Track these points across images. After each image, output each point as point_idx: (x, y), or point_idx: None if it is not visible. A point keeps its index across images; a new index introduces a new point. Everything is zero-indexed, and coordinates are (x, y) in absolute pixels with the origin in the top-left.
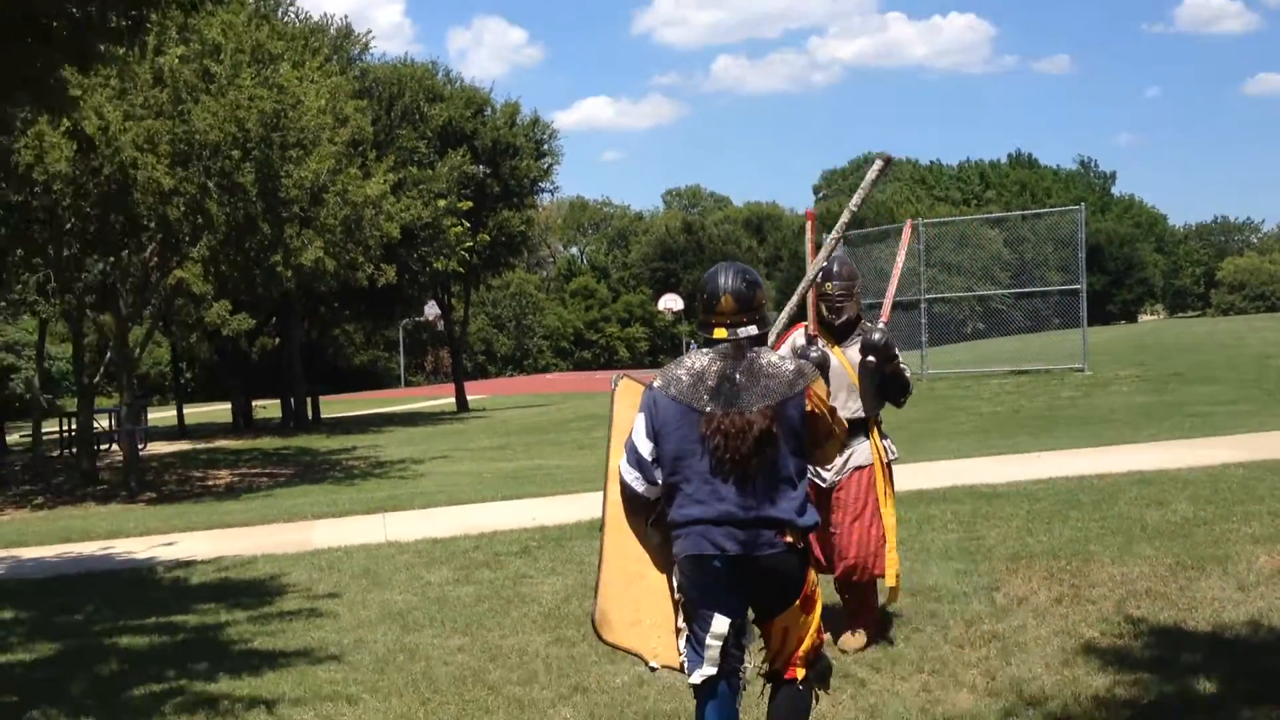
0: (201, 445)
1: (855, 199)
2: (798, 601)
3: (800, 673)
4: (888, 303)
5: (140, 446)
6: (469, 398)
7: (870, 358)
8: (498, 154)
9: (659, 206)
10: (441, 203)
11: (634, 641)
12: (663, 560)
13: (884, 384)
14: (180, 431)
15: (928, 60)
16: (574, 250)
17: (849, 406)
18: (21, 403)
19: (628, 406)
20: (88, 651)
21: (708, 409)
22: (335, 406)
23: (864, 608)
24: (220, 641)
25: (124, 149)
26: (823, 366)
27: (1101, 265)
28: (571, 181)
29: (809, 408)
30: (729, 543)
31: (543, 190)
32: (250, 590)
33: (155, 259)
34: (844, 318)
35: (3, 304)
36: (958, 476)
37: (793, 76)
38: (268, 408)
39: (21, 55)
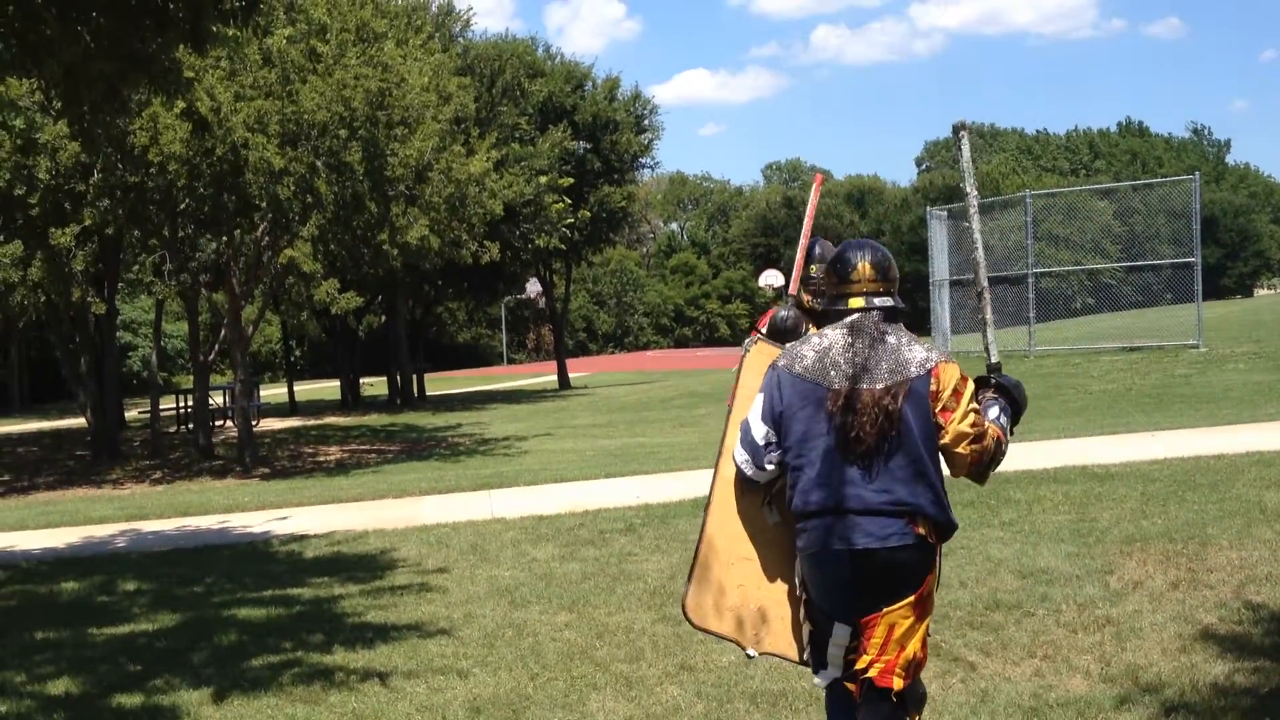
0: (311, 422)
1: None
2: (912, 598)
3: (898, 683)
4: (796, 272)
5: (254, 423)
6: (570, 375)
7: None
8: (598, 129)
9: (759, 181)
10: (543, 179)
11: (729, 628)
12: (778, 542)
13: None
14: (291, 408)
15: (1033, 26)
16: (674, 226)
17: None
18: (139, 380)
19: (755, 375)
20: (207, 622)
21: (835, 385)
22: (439, 384)
23: None
24: (334, 614)
25: (235, 130)
26: (795, 329)
27: (1216, 237)
28: (671, 156)
29: (933, 386)
30: (856, 535)
31: (643, 166)
32: (362, 564)
33: (266, 238)
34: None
35: (121, 284)
36: (1068, 456)
37: (894, 45)
38: (374, 385)
39: (139, 38)
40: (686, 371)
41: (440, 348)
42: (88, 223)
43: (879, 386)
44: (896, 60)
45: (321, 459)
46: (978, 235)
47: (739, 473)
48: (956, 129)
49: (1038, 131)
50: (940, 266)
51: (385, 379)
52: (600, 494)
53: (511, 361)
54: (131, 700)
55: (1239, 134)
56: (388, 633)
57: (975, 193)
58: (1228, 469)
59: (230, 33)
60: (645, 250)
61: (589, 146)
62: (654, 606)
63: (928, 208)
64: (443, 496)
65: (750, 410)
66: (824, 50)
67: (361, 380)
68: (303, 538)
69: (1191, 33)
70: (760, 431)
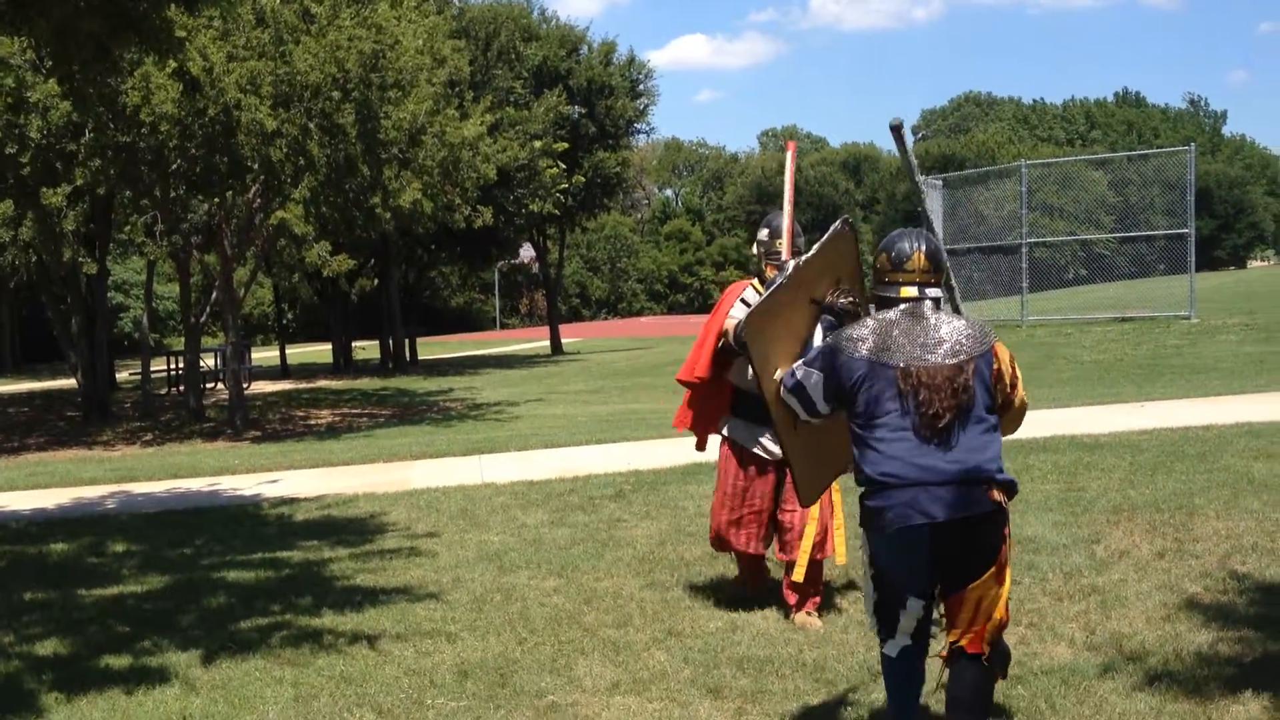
0: (303, 385)
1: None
2: (994, 568)
3: (987, 649)
4: (788, 245)
5: (245, 385)
6: (563, 341)
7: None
8: (593, 94)
9: (755, 148)
10: (538, 144)
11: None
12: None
13: None
14: (282, 371)
15: None
16: (669, 192)
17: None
18: (130, 341)
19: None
20: (196, 585)
21: (902, 364)
22: (432, 348)
23: (816, 588)
24: (323, 577)
25: (228, 90)
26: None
27: (1210, 209)
28: (667, 122)
29: (996, 365)
30: (936, 507)
31: (638, 131)
32: (352, 528)
33: (258, 200)
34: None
35: (112, 244)
36: (1058, 426)
37: (893, 12)
38: (366, 349)
39: None
40: (680, 338)
41: (433, 312)
42: (79, 182)
43: (949, 363)
44: (895, 27)
45: (313, 422)
46: (937, 223)
47: (792, 413)
48: (894, 128)
49: (1034, 101)
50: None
51: (377, 343)
52: (591, 460)
53: (504, 326)
54: (119, 662)
55: (1236, 105)
56: (376, 596)
57: (923, 182)
58: (1216, 440)
59: None
60: (640, 216)
61: (584, 111)
62: (642, 573)
63: (923, 176)
64: (433, 461)
65: (807, 383)
66: (822, 16)
67: (354, 344)
68: (293, 501)
69: (1189, 3)
70: (820, 400)
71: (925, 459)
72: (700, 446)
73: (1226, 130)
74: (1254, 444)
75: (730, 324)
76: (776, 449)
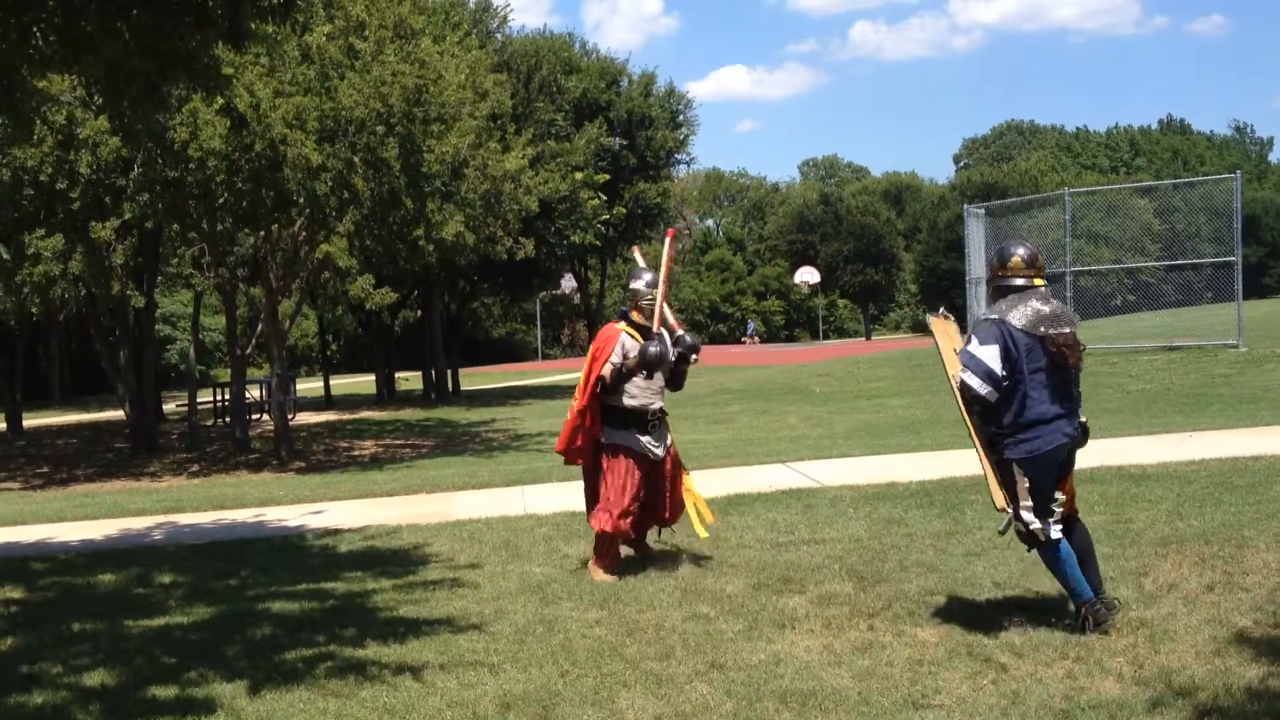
0: (347, 416)
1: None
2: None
3: (1077, 508)
4: (667, 312)
5: (290, 417)
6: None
7: (692, 356)
8: (633, 126)
9: (795, 177)
10: (579, 175)
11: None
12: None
13: (677, 376)
14: (327, 402)
15: (1074, 22)
16: (710, 222)
17: (655, 392)
18: (177, 373)
19: (942, 334)
20: (242, 615)
21: (1050, 332)
22: (474, 379)
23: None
24: (367, 608)
25: (274, 126)
26: (663, 356)
27: (1257, 236)
28: (707, 153)
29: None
30: (1071, 428)
31: (678, 162)
32: (395, 559)
33: (303, 233)
34: (653, 323)
35: (160, 277)
36: (1105, 457)
37: (933, 41)
38: (409, 380)
39: (178, 35)
40: (720, 368)
41: (475, 343)
42: (127, 216)
43: (1070, 332)
44: (935, 56)
45: (356, 453)
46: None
47: (975, 394)
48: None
49: (1078, 129)
50: (976, 264)
51: (420, 374)
52: None
53: (546, 357)
54: (166, 692)
55: None
56: (420, 627)
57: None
58: (1266, 470)
59: (269, 30)
60: (681, 246)
61: (624, 143)
62: (684, 604)
63: (965, 205)
64: (476, 492)
65: (984, 354)
66: (862, 46)
67: (397, 375)
68: (337, 532)
69: (1235, 29)
70: (998, 366)
71: (1066, 403)
72: (572, 461)
73: (1273, 157)
74: None
75: (609, 370)
76: (658, 450)
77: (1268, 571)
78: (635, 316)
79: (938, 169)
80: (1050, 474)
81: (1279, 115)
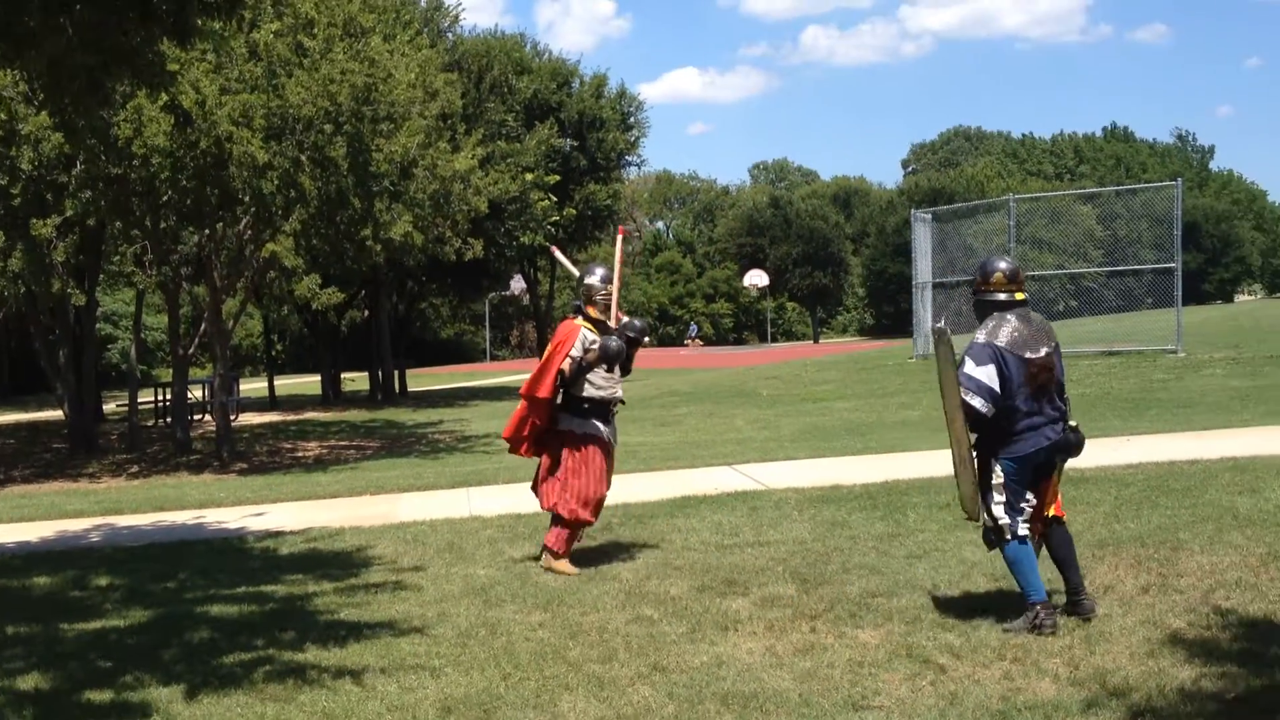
0: (291, 417)
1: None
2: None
3: (1064, 513)
4: (614, 307)
5: (232, 417)
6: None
7: (643, 339)
8: (584, 127)
9: (745, 180)
10: (529, 176)
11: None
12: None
13: (627, 361)
14: (271, 403)
15: (1021, 30)
16: (660, 225)
17: (616, 383)
18: (118, 373)
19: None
20: (180, 619)
21: (1028, 355)
22: (422, 380)
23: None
24: (308, 612)
25: (220, 123)
26: (624, 350)
27: (1198, 243)
28: (658, 155)
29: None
30: (1054, 433)
31: (629, 164)
32: (337, 562)
33: (249, 232)
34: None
35: (101, 275)
36: None
37: (883, 47)
38: (356, 381)
39: (122, 30)
40: (668, 370)
41: (423, 344)
42: (69, 213)
43: (1046, 354)
44: (885, 62)
45: (300, 455)
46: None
47: (976, 413)
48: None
49: (1024, 135)
50: (923, 269)
51: (367, 375)
52: None
53: (495, 358)
54: (101, 697)
55: (1223, 140)
56: (361, 631)
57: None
58: (1201, 475)
59: (215, 26)
60: (631, 248)
61: (575, 144)
62: (628, 607)
63: (913, 210)
64: (421, 494)
65: (982, 374)
66: (814, 51)
67: (343, 376)
68: (278, 534)
69: (1177, 39)
70: (996, 384)
71: (1045, 413)
72: (517, 452)
73: (1214, 165)
74: (1239, 479)
75: (568, 364)
76: (613, 440)
77: (1201, 574)
78: (591, 311)
79: (886, 174)
80: (1027, 475)
81: (1220, 124)
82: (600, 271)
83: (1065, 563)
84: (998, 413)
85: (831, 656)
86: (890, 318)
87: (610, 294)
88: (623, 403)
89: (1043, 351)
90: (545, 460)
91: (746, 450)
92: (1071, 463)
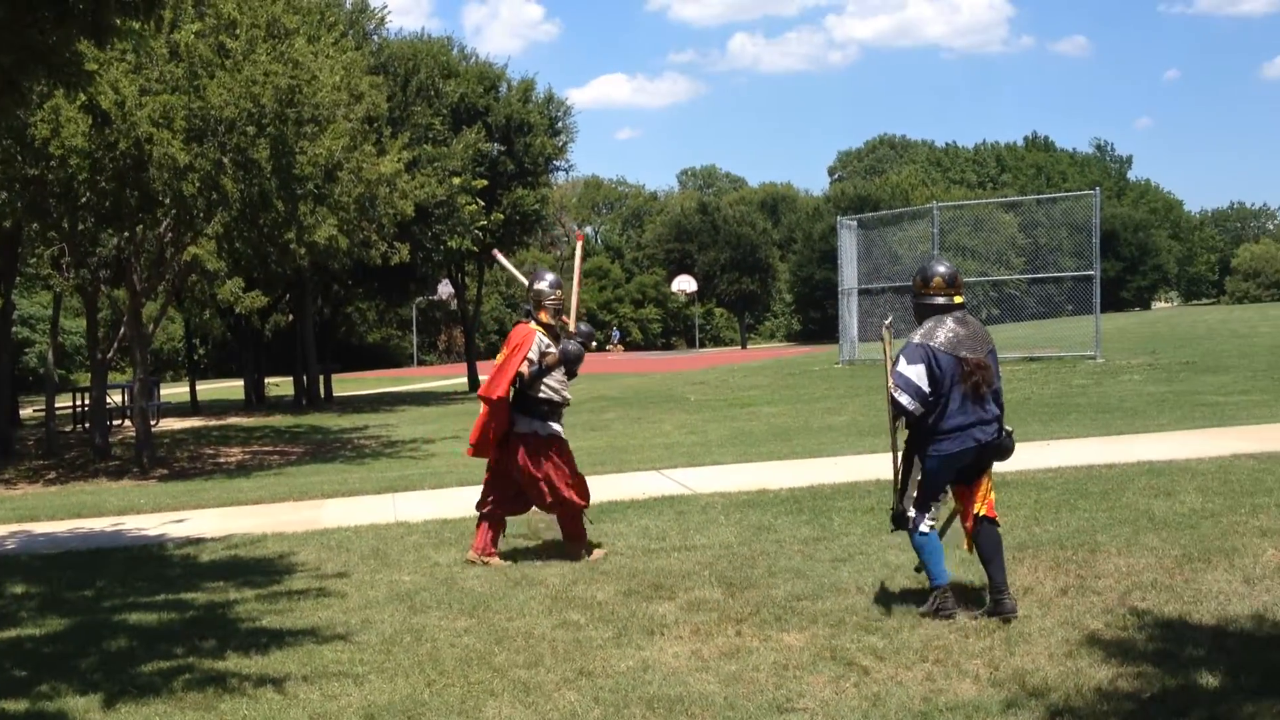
0: (214, 422)
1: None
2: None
3: (995, 513)
4: (573, 312)
5: (153, 423)
6: (480, 378)
7: (591, 343)
8: (512, 131)
9: (674, 186)
10: (456, 180)
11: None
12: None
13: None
14: (192, 408)
15: (945, 40)
16: (588, 230)
17: (566, 385)
18: (35, 377)
19: (890, 345)
20: (97, 627)
21: (964, 355)
22: (348, 385)
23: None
24: (229, 619)
25: (140, 124)
26: (582, 354)
27: (1116, 251)
28: (587, 160)
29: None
30: (983, 434)
31: (557, 169)
32: (259, 568)
33: (169, 235)
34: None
35: (18, 278)
36: None
37: (810, 55)
38: (280, 385)
39: (38, 29)
40: (596, 375)
41: (349, 348)
42: None
43: (983, 355)
44: (812, 70)
45: (222, 460)
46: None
47: (903, 409)
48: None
49: (947, 144)
50: (849, 275)
51: (291, 379)
52: None
53: (422, 363)
54: (16, 706)
55: (1141, 150)
56: (283, 638)
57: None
58: (1118, 478)
59: (134, 26)
60: (559, 253)
61: (502, 148)
62: (554, 612)
63: (839, 217)
64: (346, 500)
65: (912, 372)
66: (741, 58)
67: (267, 380)
68: (199, 541)
69: (1098, 51)
70: (925, 384)
71: (977, 414)
72: (485, 455)
73: (1132, 175)
74: (1154, 482)
75: (526, 367)
76: (561, 429)
77: (1118, 576)
78: (542, 316)
79: (813, 181)
80: (948, 475)
81: (1138, 134)
82: (549, 277)
83: (990, 561)
84: (930, 410)
85: (757, 660)
86: (817, 323)
87: (559, 299)
88: (569, 402)
89: (980, 352)
90: (499, 470)
91: (674, 455)
92: (995, 466)
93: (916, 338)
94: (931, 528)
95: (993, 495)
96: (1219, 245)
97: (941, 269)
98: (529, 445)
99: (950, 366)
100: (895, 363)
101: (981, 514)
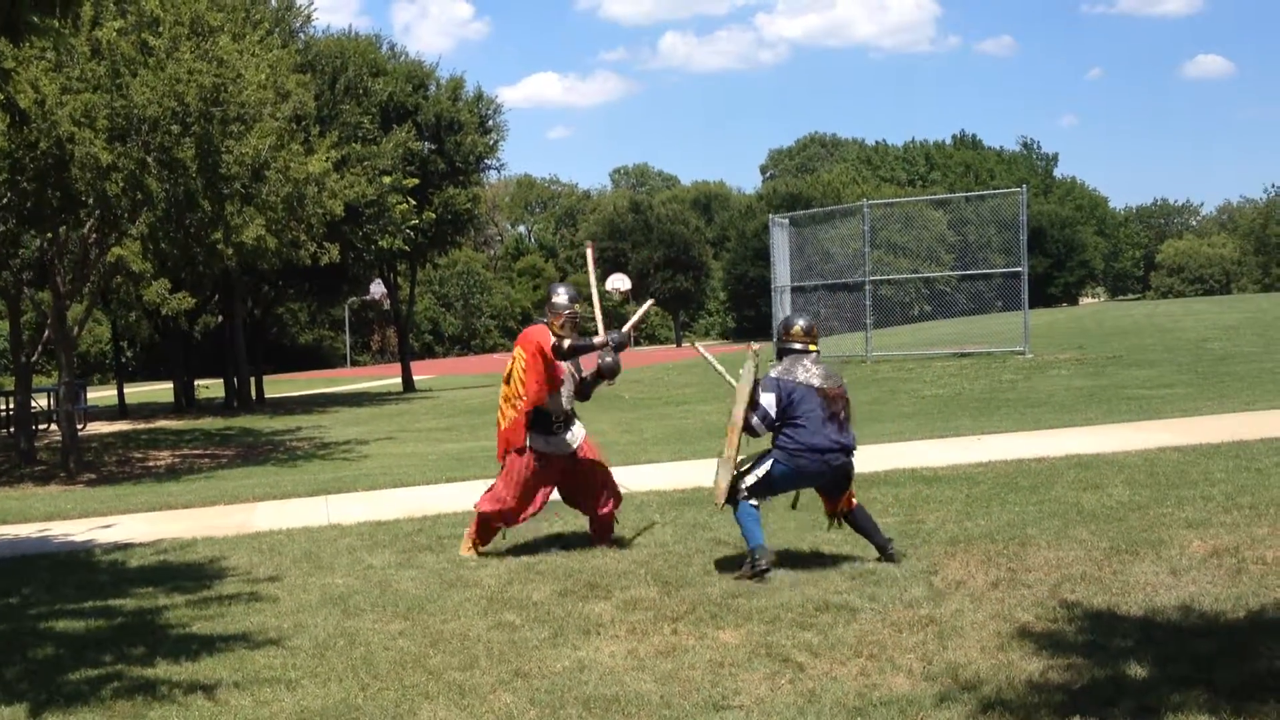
0: (142, 425)
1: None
2: (851, 487)
3: (856, 502)
4: (599, 321)
5: (79, 426)
6: (415, 378)
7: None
8: (442, 130)
9: (607, 185)
10: (386, 180)
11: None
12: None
13: (588, 387)
14: (120, 411)
15: (874, 39)
16: (521, 229)
17: (571, 398)
18: None
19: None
20: (23, 635)
21: (820, 385)
22: (279, 386)
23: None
24: (158, 625)
25: (61, 123)
26: (618, 366)
27: (1043, 248)
28: (519, 159)
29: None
30: (833, 457)
31: (489, 167)
32: (189, 573)
33: (94, 235)
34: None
35: None
36: (899, 459)
37: (740, 54)
38: (210, 387)
39: None
40: None
41: (281, 349)
42: None
43: (839, 386)
44: (742, 69)
45: (151, 464)
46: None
47: (753, 430)
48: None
49: (877, 142)
50: (781, 273)
51: (222, 381)
52: (441, 499)
53: (355, 364)
54: None
55: (1066, 148)
56: (214, 644)
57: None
58: (1048, 472)
59: (52, 24)
60: (492, 252)
61: (433, 147)
62: (490, 613)
63: (771, 215)
64: (277, 502)
65: (764, 400)
66: (672, 57)
67: (196, 382)
68: (127, 546)
69: (1024, 51)
70: (774, 411)
71: (830, 438)
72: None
73: (1058, 172)
74: (1083, 475)
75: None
76: (575, 444)
77: (1049, 569)
78: (555, 324)
79: (745, 179)
80: (789, 486)
81: (1063, 132)
82: (566, 291)
83: (867, 531)
84: (792, 429)
85: (693, 658)
86: (751, 321)
87: (576, 312)
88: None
89: (838, 385)
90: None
91: (609, 453)
92: (924, 460)
93: (774, 372)
94: (756, 507)
95: (853, 490)
96: (1144, 241)
97: (800, 322)
98: (550, 462)
99: (806, 394)
100: (754, 390)
101: (845, 510)
